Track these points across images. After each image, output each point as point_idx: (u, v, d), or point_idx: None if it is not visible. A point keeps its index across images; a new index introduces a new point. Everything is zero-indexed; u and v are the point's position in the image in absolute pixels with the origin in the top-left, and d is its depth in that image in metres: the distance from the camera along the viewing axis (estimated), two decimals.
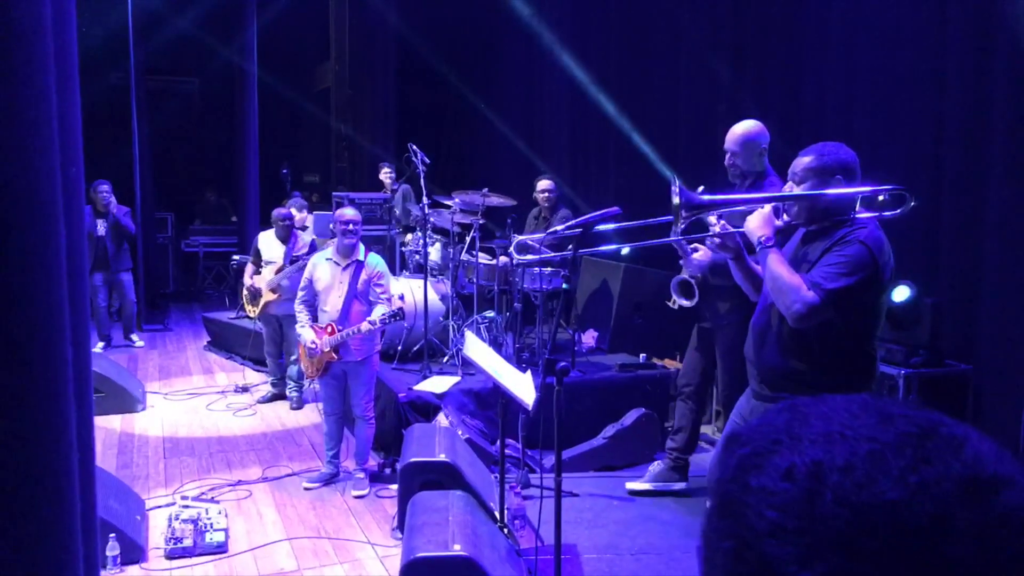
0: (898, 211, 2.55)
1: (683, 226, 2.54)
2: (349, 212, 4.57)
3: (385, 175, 8.11)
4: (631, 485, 4.29)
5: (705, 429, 5.44)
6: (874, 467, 0.52)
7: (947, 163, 4.51)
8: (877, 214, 2.56)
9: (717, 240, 2.72)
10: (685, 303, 4.09)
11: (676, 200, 2.52)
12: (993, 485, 0.52)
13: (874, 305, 2.53)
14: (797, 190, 2.59)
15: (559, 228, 2.71)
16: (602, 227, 2.84)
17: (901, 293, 4.38)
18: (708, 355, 4.25)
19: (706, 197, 2.60)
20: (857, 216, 2.53)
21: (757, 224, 2.56)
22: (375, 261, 4.61)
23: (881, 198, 2.57)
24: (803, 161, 2.60)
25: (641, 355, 5.61)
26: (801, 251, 2.63)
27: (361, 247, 4.60)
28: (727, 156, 3.77)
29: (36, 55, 1.07)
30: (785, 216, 2.62)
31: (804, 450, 0.55)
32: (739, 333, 3.88)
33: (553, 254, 4.53)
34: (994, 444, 0.56)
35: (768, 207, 2.57)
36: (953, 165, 4.48)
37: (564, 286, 2.57)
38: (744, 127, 3.75)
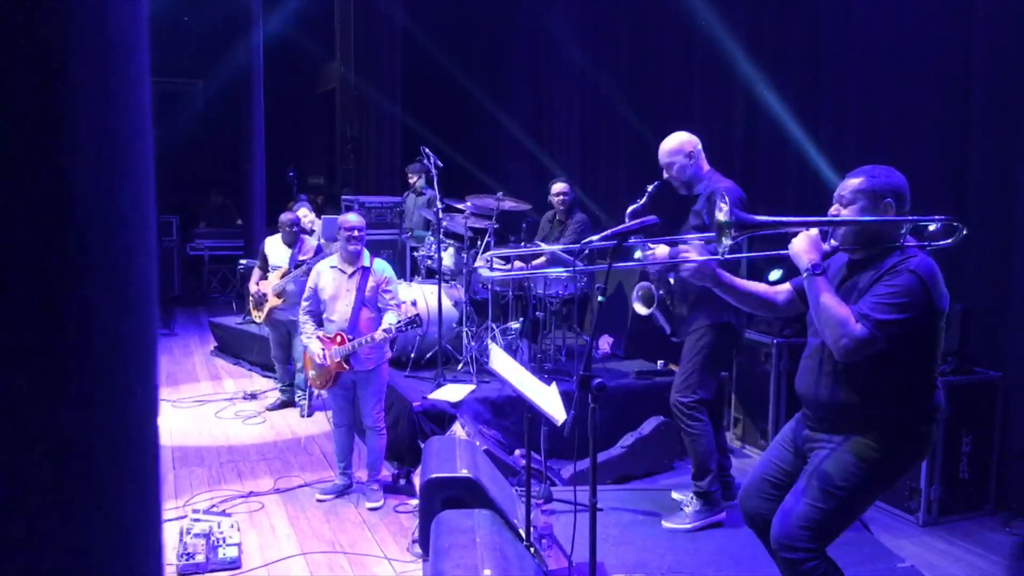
0: (949, 241, 2.44)
1: (730, 244, 2.42)
2: (353, 218, 4.46)
3: (413, 179, 7.91)
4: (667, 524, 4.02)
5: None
6: None
7: (973, 170, 4.43)
8: (927, 243, 2.45)
9: (686, 272, 2.63)
10: (642, 310, 4.09)
11: (723, 218, 2.41)
12: None
13: (930, 337, 2.41)
14: (845, 212, 2.49)
15: (595, 239, 2.60)
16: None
17: None
18: None
19: (758, 217, 2.49)
20: (905, 245, 2.42)
21: (804, 247, 2.44)
22: (381, 267, 4.50)
23: (932, 227, 2.46)
24: (852, 183, 2.49)
25: (659, 362, 5.51)
26: (850, 282, 2.51)
27: (366, 253, 4.49)
28: (663, 171, 3.96)
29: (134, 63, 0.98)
30: (832, 241, 2.51)
31: None
32: (697, 339, 3.94)
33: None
34: None
35: (815, 230, 2.46)
36: (979, 172, 4.40)
37: (599, 299, 2.46)
38: (668, 141, 3.95)
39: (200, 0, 10.48)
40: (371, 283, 4.41)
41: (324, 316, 4.49)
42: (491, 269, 5.10)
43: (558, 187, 5.85)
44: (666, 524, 3.96)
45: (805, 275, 2.42)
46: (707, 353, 3.92)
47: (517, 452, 4.68)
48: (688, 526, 3.91)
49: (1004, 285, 4.32)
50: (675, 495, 4.22)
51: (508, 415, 4.86)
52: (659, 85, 6.85)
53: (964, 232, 2.40)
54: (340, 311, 4.41)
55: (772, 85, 5.56)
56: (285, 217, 6.10)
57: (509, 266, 5.60)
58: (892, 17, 4.75)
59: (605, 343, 5.93)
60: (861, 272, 2.48)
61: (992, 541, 4.01)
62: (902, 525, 4.19)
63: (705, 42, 6.03)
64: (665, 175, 3.95)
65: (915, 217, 2.45)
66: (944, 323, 2.43)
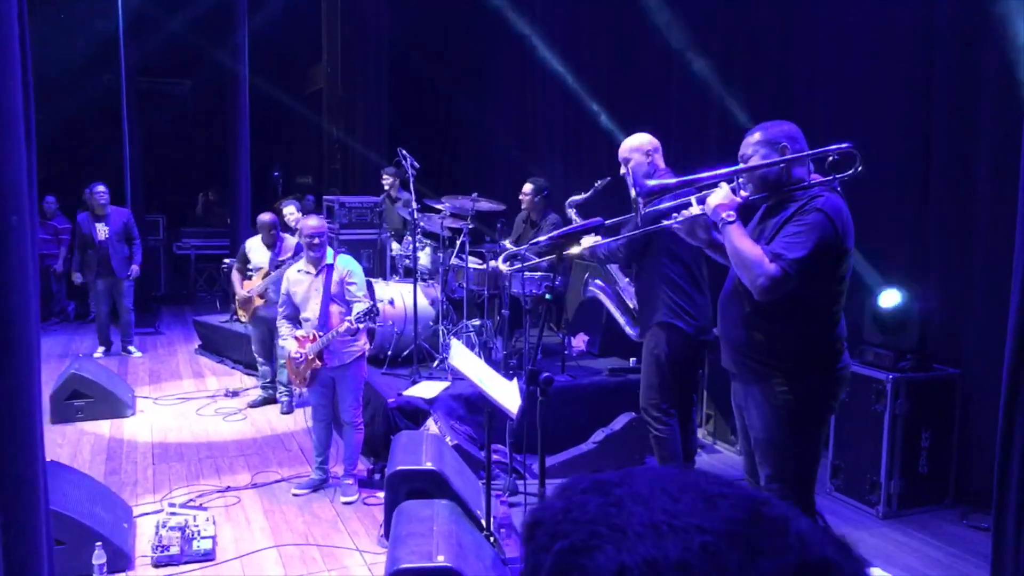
0: (849, 172, 2.56)
1: (643, 212, 2.59)
2: (312, 222, 4.55)
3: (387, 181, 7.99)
4: None
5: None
6: (712, 564, 0.48)
7: (935, 170, 4.54)
8: (831, 177, 2.56)
9: (681, 227, 2.68)
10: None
11: (633, 192, 2.56)
12: (823, 569, 0.51)
13: (837, 271, 2.53)
14: None
15: (542, 239, 2.71)
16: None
17: (892, 298, 4.38)
18: None
19: (653, 182, 2.64)
20: (811, 184, 2.54)
21: (718, 201, 2.54)
22: (344, 262, 4.60)
23: (831, 158, 2.58)
24: (751, 139, 2.64)
25: (631, 359, 5.60)
26: (759, 227, 2.63)
27: (329, 251, 4.59)
28: (621, 168, 4.02)
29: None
30: (743, 193, 2.61)
31: (632, 547, 0.50)
32: (652, 347, 4.00)
33: (540, 260, 4.51)
34: (809, 520, 0.55)
35: (725, 185, 2.57)
36: (941, 172, 4.51)
37: (547, 296, 2.57)
38: (629, 140, 4.05)
39: (187, 1, 10.53)
40: (335, 278, 4.52)
41: (300, 316, 4.60)
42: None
43: (528, 188, 5.94)
44: None
45: (720, 225, 2.52)
46: (660, 361, 4.01)
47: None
48: None
49: (964, 284, 4.42)
50: None
51: (482, 411, 4.90)
52: (638, 89, 6.95)
53: (860, 165, 2.52)
54: (312, 310, 4.52)
55: (745, 90, 5.66)
56: (263, 219, 6.17)
57: (485, 265, 5.68)
58: (860, 25, 4.85)
59: (580, 341, 6.02)
60: (769, 218, 2.60)
61: (948, 533, 4.12)
62: (862, 518, 4.30)
63: (682, 48, 6.13)
64: (623, 170, 4.03)
65: (809, 151, 2.57)
66: (851, 260, 2.55)
